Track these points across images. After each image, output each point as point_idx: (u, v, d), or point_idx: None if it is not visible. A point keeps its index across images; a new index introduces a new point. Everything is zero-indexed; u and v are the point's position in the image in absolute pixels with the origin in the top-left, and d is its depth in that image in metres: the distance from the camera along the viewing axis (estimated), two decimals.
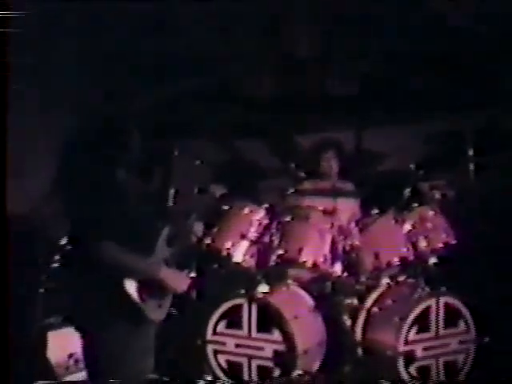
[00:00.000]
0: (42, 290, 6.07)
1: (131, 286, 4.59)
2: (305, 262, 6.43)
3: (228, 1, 7.14)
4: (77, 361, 5.96)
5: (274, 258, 6.48)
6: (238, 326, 6.28)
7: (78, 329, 4.81)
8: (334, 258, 6.51)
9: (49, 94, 6.35)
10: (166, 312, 4.83)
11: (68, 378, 6.03)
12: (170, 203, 6.25)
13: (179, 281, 4.83)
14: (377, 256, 6.50)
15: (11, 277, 5.74)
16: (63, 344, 5.96)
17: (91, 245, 4.58)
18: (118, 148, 4.83)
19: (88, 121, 4.96)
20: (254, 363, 6.25)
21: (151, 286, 4.67)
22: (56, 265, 6.10)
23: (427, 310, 6.28)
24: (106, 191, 4.69)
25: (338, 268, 6.52)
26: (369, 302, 6.52)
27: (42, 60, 6.47)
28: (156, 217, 5.05)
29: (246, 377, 6.26)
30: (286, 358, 6.15)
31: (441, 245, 6.54)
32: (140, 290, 4.62)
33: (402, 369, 6.19)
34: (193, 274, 6.49)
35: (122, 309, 4.60)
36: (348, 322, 6.46)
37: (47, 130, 5.67)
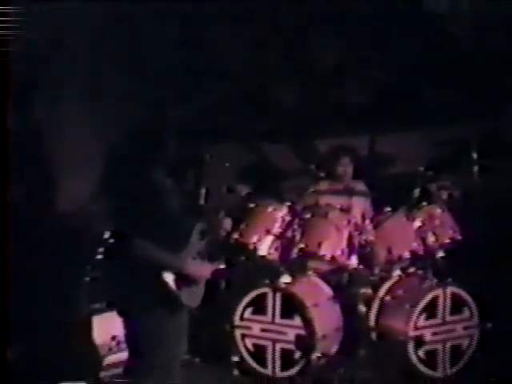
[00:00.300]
0: (87, 279, 6.09)
1: (169, 276, 4.65)
2: (324, 255, 6.50)
3: (256, 17, 7.19)
4: (119, 342, 5.94)
5: (295, 251, 6.55)
6: (263, 312, 6.33)
7: (120, 313, 4.86)
8: (351, 252, 6.54)
9: (95, 105, 6.41)
10: (199, 299, 4.86)
11: (111, 358, 6.06)
12: (202, 201, 6.30)
13: (202, 269, 4.86)
14: (389, 250, 6.54)
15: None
16: (107, 327, 5.97)
17: (129, 240, 4.62)
18: (156, 152, 4.84)
19: (129, 128, 5.00)
20: (278, 346, 6.28)
21: (186, 277, 4.71)
22: (100, 256, 6.32)
23: (435, 298, 6.32)
24: (145, 191, 4.70)
25: (354, 261, 6.54)
26: (382, 291, 6.54)
27: (87, 70, 6.55)
28: (189, 214, 5.04)
29: (270, 358, 6.30)
30: (306, 342, 6.19)
31: (448, 240, 6.56)
32: (177, 280, 4.67)
33: (411, 352, 6.24)
34: (222, 266, 6.62)
35: (160, 296, 4.66)
36: (363, 310, 6.51)
37: (92, 136, 5.73)
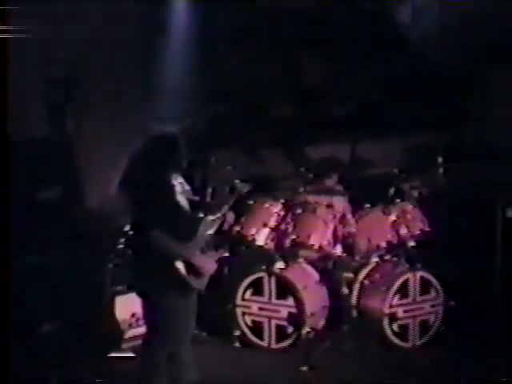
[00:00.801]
0: (111, 265, 6.19)
1: (180, 264, 4.72)
2: (312, 244, 6.55)
3: (255, 42, 7.22)
4: (138, 319, 6.02)
5: (288, 241, 6.58)
6: (261, 293, 6.41)
7: (139, 294, 4.95)
8: (335, 242, 6.58)
9: (120, 117, 6.43)
10: (205, 283, 4.89)
11: (131, 333, 6.14)
12: (208, 199, 6.30)
13: (208, 265, 4.88)
14: (368, 240, 6.58)
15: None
16: (127, 306, 6.04)
17: (146, 232, 4.64)
18: (170, 157, 4.87)
19: (148, 136, 4.95)
20: (273, 322, 6.37)
21: (194, 267, 4.75)
22: (121, 246, 6.18)
23: (406, 281, 6.41)
24: (160, 190, 4.76)
25: (338, 249, 6.59)
26: (362, 275, 6.62)
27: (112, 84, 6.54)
28: (198, 209, 5.07)
29: (266, 333, 6.38)
30: (297, 319, 6.28)
31: (418, 232, 6.60)
32: (186, 267, 4.73)
33: (387, 327, 6.34)
34: (226, 254, 6.52)
35: (173, 280, 4.73)
36: (346, 291, 6.55)
37: (117, 144, 5.78)
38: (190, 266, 4.77)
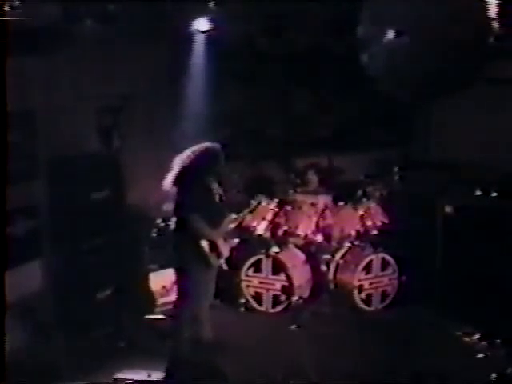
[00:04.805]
0: (147, 249, 6.23)
1: (205, 243, 4.92)
2: (300, 233, 6.66)
3: (258, 85, 7.25)
4: (167, 290, 6.08)
5: (281, 231, 6.67)
6: (260, 271, 6.47)
7: (174, 269, 5.09)
8: (317, 231, 6.65)
9: (153, 137, 6.41)
10: (220, 262, 5.16)
11: (161, 301, 6.16)
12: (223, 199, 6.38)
13: (225, 249, 5.10)
14: (342, 230, 6.68)
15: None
16: (159, 280, 6.12)
17: (187, 219, 4.76)
18: (212, 165, 5.04)
19: (197, 149, 5.05)
20: (270, 293, 6.45)
21: (215, 246, 4.96)
22: (154, 235, 6.24)
23: (371, 261, 6.50)
24: (202, 191, 4.96)
25: (319, 237, 6.67)
26: (337, 256, 6.67)
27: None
28: (225, 207, 5.24)
29: (264, 301, 6.46)
30: (288, 290, 6.37)
31: (379, 223, 6.69)
32: (209, 247, 4.94)
33: (356, 295, 6.45)
34: (236, 240, 6.65)
35: (198, 260, 4.91)
36: (325, 269, 6.65)
37: (151, 158, 5.74)
38: (212, 246, 4.92)
